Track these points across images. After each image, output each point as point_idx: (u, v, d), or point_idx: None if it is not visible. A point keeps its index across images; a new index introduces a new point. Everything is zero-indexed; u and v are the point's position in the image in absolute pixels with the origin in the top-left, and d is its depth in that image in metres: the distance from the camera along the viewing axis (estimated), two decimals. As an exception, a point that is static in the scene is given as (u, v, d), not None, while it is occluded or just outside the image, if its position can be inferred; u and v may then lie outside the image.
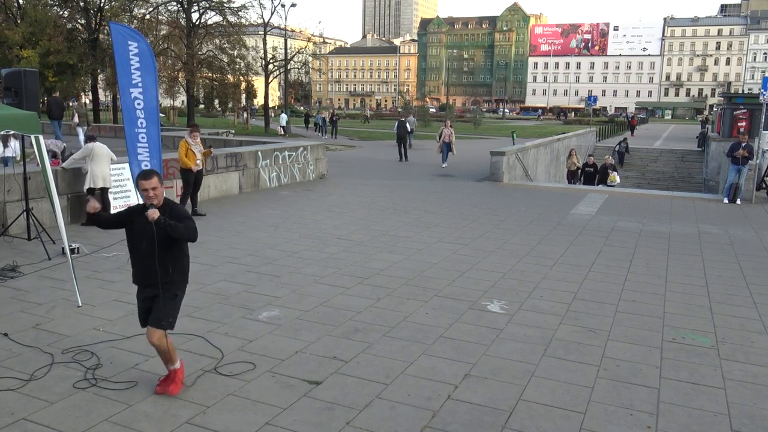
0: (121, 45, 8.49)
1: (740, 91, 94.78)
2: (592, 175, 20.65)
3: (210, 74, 48.00)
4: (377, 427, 4.31)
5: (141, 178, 4.62)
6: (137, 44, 8.52)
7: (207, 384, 4.89)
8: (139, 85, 8.60)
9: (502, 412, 4.58)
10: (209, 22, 46.54)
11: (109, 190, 11.37)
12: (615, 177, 20.41)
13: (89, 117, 43.38)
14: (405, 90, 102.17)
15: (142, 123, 8.74)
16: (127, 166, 11.88)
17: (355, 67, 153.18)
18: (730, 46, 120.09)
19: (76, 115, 31.54)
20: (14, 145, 19.65)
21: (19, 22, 42.20)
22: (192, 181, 12.04)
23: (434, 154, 29.97)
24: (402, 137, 25.91)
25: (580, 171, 21.29)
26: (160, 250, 4.56)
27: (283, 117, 45.60)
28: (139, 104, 8.66)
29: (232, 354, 5.47)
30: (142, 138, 8.80)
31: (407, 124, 26.57)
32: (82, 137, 28.07)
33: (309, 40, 54.32)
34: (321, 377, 5.06)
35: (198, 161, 11.99)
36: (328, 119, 43.08)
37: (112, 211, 11.26)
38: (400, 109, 57.33)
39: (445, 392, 4.86)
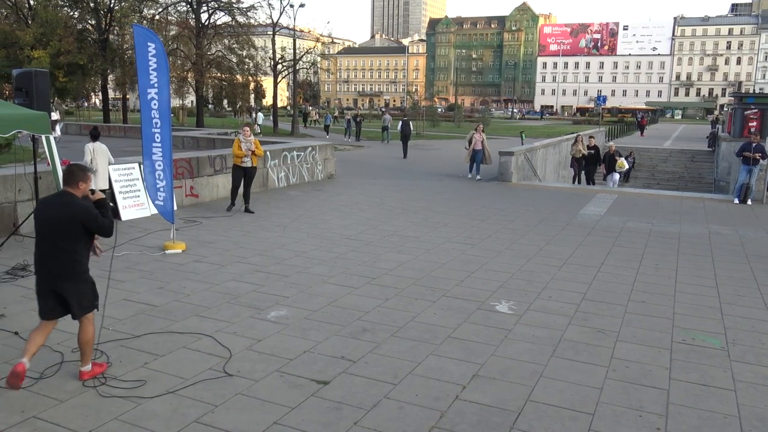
0: (141, 46, 8.58)
1: (751, 91, 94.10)
2: (594, 157, 19.66)
3: (219, 74, 48.25)
4: (385, 428, 4.31)
5: (88, 170, 4.94)
6: (154, 45, 8.60)
7: (215, 383, 4.90)
8: (156, 85, 8.69)
9: (510, 412, 4.57)
10: (218, 22, 46.78)
11: (119, 190, 11.43)
12: (623, 163, 19.74)
13: (87, 115, 43.54)
14: (414, 90, 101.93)
15: (157, 123, 8.83)
16: (136, 165, 11.99)
17: (363, 67, 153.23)
18: (741, 45, 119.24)
19: (57, 112, 32.04)
20: (57, 128, 21.25)
21: (30, 22, 42.49)
22: (237, 175, 12.26)
23: (441, 154, 29.99)
24: (406, 136, 27.06)
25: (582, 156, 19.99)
26: None
27: (260, 116, 47.31)
28: (155, 104, 8.75)
29: (240, 353, 5.48)
30: (157, 137, 8.89)
31: (387, 121, 27.90)
32: (55, 134, 28.89)
33: (318, 40, 54.37)
34: (329, 377, 5.06)
35: (245, 158, 12.11)
36: (352, 120, 40.35)
37: (121, 211, 11.34)
38: (382, 109, 58.82)
39: (453, 392, 4.85)
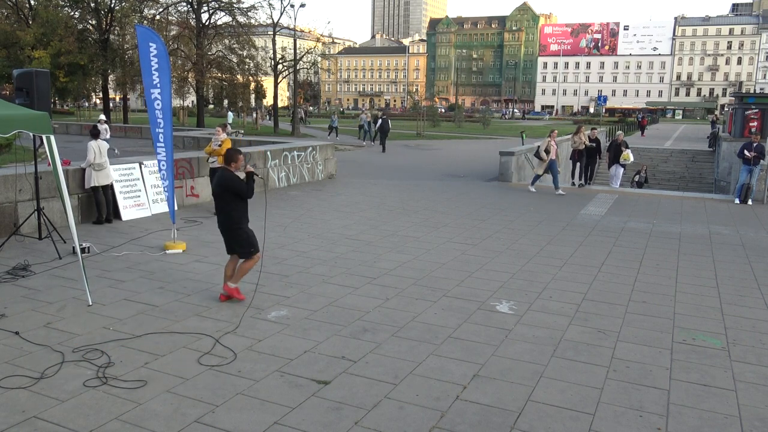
0: (144, 46, 8.61)
1: (752, 91, 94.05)
2: (594, 150, 18.37)
3: (219, 74, 48.28)
4: (386, 427, 4.31)
5: (240, 153, 6.68)
6: (156, 45, 8.62)
7: (216, 383, 4.90)
8: (158, 85, 8.71)
9: (511, 413, 4.57)
10: (219, 22, 46.80)
11: (120, 190, 11.43)
12: (629, 155, 19.18)
13: (87, 115, 43.32)
14: (414, 90, 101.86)
15: (160, 123, 8.86)
16: (137, 165, 12.02)
17: (364, 67, 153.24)
18: (742, 45, 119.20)
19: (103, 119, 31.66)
20: (103, 129, 20.86)
21: (30, 23, 42.53)
22: (211, 177, 12.18)
23: (441, 154, 30.00)
24: (385, 132, 30.57)
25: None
26: None
27: (230, 115, 48.33)
28: (158, 105, 8.77)
29: (240, 353, 5.49)
30: (161, 137, 8.91)
31: (364, 120, 32.43)
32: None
33: (318, 40, 54.37)
34: (329, 377, 5.06)
35: (211, 158, 11.99)
36: (372, 122, 35.95)
37: (122, 211, 11.37)
38: (361, 109, 60.43)
39: (453, 393, 4.85)
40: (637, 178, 27.03)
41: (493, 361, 5.46)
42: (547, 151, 16.21)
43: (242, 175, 6.71)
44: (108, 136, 23.78)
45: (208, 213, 12.15)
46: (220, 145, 11.98)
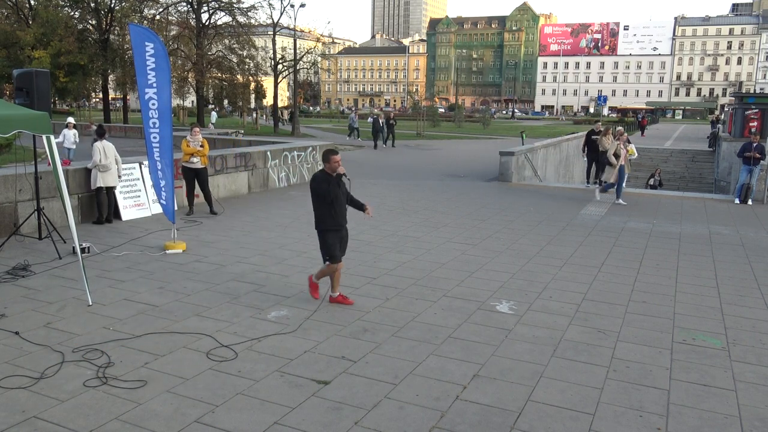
0: (138, 46, 8.58)
1: (752, 91, 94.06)
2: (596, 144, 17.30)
3: (219, 74, 48.32)
4: (386, 427, 4.31)
5: (335, 153, 6.58)
6: (153, 45, 8.60)
7: (216, 383, 4.90)
8: (154, 85, 8.68)
9: (511, 413, 4.57)
10: (219, 22, 46.82)
11: (120, 190, 11.43)
12: (633, 150, 18.98)
13: (87, 115, 43.33)
14: (414, 90, 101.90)
15: (155, 123, 8.82)
16: (137, 165, 12.03)
17: (364, 67, 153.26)
18: (742, 45, 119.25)
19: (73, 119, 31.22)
20: (72, 134, 19.66)
21: (30, 23, 42.54)
22: (188, 178, 12.04)
23: (441, 155, 29.98)
24: (377, 131, 32.41)
25: (584, 143, 17.80)
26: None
27: (214, 115, 48.65)
28: (153, 104, 8.74)
29: (241, 353, 5.49)
30: (155, 138, 8.88)
31: (382, 121, 33.64)
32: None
33: (318, 40, 54.38)
34: (329, 377, 5.06)
35: (194, 159, 11.87)
36: (384, 123, 33.55)
37: (122, 211, 11.35)
38: (351, 108, 60.89)
39: (453, 393, 4.85)
40: (651, 182, 26.96)
41: (493, 361, 5.46)
42: (617, 155, 14.59)
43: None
44: (75, 144, 20.36)
45: (208, 213, 12.15)
46: (202, 146, 11.94)
